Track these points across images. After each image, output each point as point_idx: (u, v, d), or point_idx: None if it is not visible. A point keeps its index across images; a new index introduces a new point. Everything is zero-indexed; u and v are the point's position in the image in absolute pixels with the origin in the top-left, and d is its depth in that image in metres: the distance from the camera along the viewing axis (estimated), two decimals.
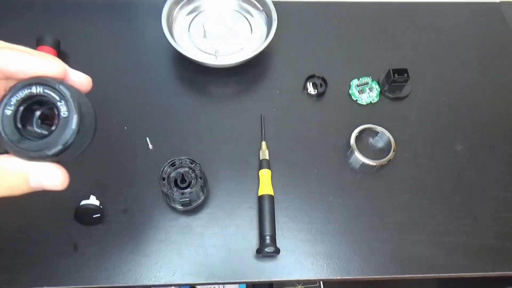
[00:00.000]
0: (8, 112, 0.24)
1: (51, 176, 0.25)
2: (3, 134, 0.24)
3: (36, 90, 0.24)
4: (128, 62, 0.60)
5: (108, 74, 0.59)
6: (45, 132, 0.26)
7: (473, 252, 0.48)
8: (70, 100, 0.24)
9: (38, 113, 0.26)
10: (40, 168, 0.25)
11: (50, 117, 0.26)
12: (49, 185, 0.25)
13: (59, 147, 0.24)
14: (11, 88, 0.24)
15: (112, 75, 0.59)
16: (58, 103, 0.24)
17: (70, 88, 0.25)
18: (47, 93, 0.24)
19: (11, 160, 0.25)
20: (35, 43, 0.57)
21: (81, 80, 0.28)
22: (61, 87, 0.25)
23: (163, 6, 0.58)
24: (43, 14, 0.63)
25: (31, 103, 0.25)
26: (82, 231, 0.47)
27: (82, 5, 0.65)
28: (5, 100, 0.24)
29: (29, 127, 0.26)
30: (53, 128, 0.25)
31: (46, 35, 0.57)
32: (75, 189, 0.49)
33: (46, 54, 0.26)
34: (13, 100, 0.24)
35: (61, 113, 0.24)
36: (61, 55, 0.59)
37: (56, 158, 0.25)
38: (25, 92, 0.24)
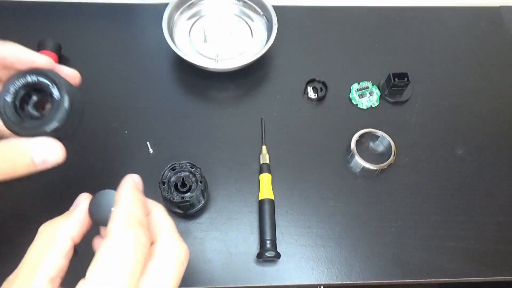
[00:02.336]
0: (8, 98, 0.28)
1: (52, 150, 0.29)
2: (6, 117, 0.28)
3: (31, 78, 0.29)
4: (129, 66, 0.60)
5: (109, 78, 0.59)
6: (38, 114, 0.30)
7: (474, 256, 0.48)
8: (61, 84, 0.29)
9: (34, 98, 0.30)
10: (41, 144, 0.28)
11: (41, 103, 0.31)
12: (52, 159, 0.29)
13: (56, 124, 0.28)
14: (11, 77, 0.29)
15: (112, 79, 0.59)
16: (51, 87, 0.29)
17: (58, 75, 0.30)
18: (41, 80, 0.29)
19: (15, 139, 0.28)
20: (37, 47, 0.57)
21: (69, 73, 0.32)
22: (52, 74, 0.29)
23: (164, 11, 0.58)
24: (44, 19, 0.64)
25: (27, 90, 0.29)
26: None
27: (83, 10, 0.65)
28: (6, 88, 0.28)
29: (26, 111, 0.30)
30: (47, 107, 0.30)
31: (48, 40, 0.57)
32: (76, 193, 0.49)
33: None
34: (12, 88, 0.28)
35: (54, 96, 0.29)
36: (62, 59, 0.59)
37: (53, 134, 0.29)
38: (22, 80, 0.29)
